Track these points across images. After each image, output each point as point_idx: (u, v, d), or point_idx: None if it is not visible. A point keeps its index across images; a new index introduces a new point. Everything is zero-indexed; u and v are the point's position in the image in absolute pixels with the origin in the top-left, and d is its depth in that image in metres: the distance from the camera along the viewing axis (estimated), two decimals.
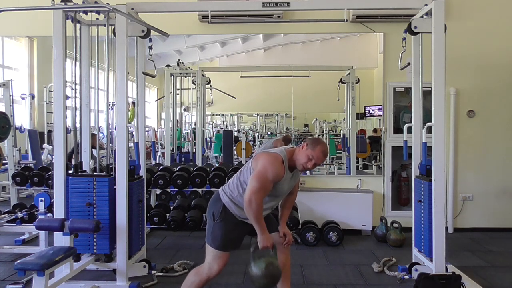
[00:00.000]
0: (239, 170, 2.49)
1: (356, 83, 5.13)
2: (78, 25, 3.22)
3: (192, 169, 4.64)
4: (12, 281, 3.11)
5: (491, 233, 4.69)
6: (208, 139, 5.84)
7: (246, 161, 4.56)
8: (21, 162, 4.97)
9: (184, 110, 5.93)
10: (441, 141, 3.06)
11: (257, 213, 2.25)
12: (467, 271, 3.31)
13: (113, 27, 3.12)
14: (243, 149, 5.22)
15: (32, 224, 3.70)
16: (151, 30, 3.32)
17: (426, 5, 3.13)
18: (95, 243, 3.06)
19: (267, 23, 4.86)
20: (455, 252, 3.98)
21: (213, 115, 6.15)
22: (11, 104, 4.95)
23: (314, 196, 4.78)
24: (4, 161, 4.84)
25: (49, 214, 3.67)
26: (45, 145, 5.14)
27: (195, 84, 5.55)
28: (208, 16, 3.36)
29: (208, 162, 5.65)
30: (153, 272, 3.33)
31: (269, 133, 6.07)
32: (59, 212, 3.07)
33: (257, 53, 5.79)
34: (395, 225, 4.35)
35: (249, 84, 5.81)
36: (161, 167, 4.70)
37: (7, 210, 4.18)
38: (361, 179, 4.98)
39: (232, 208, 2.40)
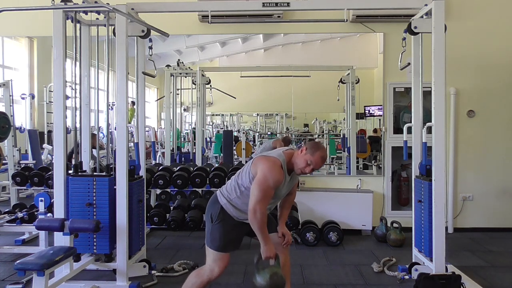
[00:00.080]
0: (238, 172, 2.49)
1: (356, 83, 5.13)
2: (78, 25, 3.22)
3: (192, 169, 4.63)
4: (12, 281, 3.11)
5: (491, 233, 4.69)
6: (208, 139, 5.84)
7: (246, 161, 4.56)
8: (21, 162, 4.97)
9: (184, 110, 5.93)
10: (441, 141, 3.06)
11: (261, 223, 2.26)
12: (467, 271, 3.31)
13: (113, 27, 3.12)
14: (243, 149, 5.22)
15: (32, 224, 3.70)
16: (151, 30, 3.32)
17: (426, 5, 3.12)
18: (95, 243, 3.06)
19: (267, 23, 4.85)
20: (455, 252, 3.98)
21: (213, 115, 6.14)
22: (11, 104, 4.95)
23: (314, 196, 4.78)
24: (4, 161, 4.84)
25: (49, 214, 3.67)
26: (45, 145, 5.14)
27: (195, 84, 5.54)
28: (208, 16, 3.36)
29: (208, 162, 5.65)
30: (153, 272, 3.32)
31: (269, 133, 6.06)
32: (59, 212, 3.07)
33: (257, 53, 5.78)
34: (395, 225, 4.35)
35: (249, 84, 5.81)
36: (161, 167, 4.70)
37: (7, 210, 4.18)
38: (361, 179, 4.98)
39: (230, 210, 2.40)
